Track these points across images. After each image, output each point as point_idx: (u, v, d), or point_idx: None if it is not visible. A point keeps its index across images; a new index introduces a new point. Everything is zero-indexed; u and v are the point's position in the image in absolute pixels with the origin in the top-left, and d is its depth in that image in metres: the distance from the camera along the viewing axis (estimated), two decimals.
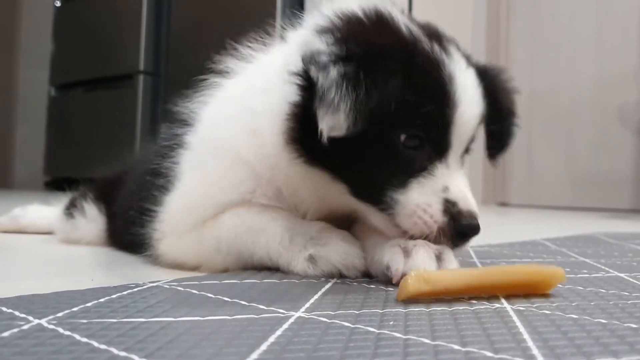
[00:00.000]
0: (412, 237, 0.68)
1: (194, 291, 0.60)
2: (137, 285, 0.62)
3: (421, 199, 0.68)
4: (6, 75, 4.83)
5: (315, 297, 0.59)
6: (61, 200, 1.27)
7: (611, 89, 3.26)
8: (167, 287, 0.62)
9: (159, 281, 0.65)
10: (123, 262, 0.93)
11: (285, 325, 0.47)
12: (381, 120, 0.66)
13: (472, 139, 0.75)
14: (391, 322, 0.49)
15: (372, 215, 0.72)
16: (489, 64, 0.82)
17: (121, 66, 3.52)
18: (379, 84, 0.64)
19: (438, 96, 0.68)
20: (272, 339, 0.43)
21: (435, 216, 0.67)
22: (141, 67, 3.38)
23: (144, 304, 0.53)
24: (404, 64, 0.66)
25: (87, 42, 3.79)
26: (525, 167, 3.54)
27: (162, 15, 3.43)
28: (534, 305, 0.56)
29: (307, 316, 0.50)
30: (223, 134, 0.79)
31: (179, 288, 0.62)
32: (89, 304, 0.53)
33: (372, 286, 0.66)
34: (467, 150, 0.75)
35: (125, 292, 0.59)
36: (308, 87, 0.67)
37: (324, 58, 0.64)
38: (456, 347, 0.42)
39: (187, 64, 3.28)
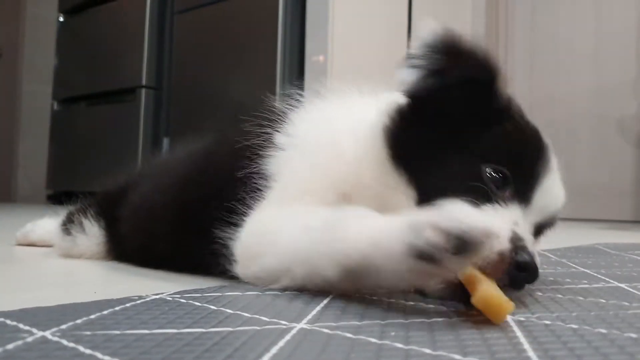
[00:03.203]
0: None
1: (197, 303, 0.61)
2: (140, 298, 0.63)
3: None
4: (10, 89, 4.87)
5: (318, 308, 0.59)
6: (62, 215, 1.27)
7: (610, 101, 3.28)
8: (170, 299, 0.63)
9: (161, 293, 0.66)
10: (125, 274, 0.93)
11: (288, 337, 0.47)
12: (472, 143, 0.68)
13: (545, 224, 0.71)
14: (392, 333, 0.49)
15: None
16: None
17: (124, 80, 3.55)
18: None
19: (532, 146, 0.70)
20: (274, 350, 0.43)
21: (501, 237, 0.60)
22: (143, 81, 3.41)
23: (147, 316, 0.54)
24: (502, 104, 0.71)
25: (90, 57, 3.83)
26: None
27: (165, 30, 3.47)
28: (535, 316, 0.57)
29: (309, 327, 0.51)
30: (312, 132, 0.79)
31: (182, 300, 0.62)
32: (92, 316, 0.53)
33: (374, 297, 0.66)
34: (538, 232, 0.71)
35: (128, 305, 0.59)
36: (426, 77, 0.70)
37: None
38: (457, 357, 0.42)
39: (189, 78, 3.31)
